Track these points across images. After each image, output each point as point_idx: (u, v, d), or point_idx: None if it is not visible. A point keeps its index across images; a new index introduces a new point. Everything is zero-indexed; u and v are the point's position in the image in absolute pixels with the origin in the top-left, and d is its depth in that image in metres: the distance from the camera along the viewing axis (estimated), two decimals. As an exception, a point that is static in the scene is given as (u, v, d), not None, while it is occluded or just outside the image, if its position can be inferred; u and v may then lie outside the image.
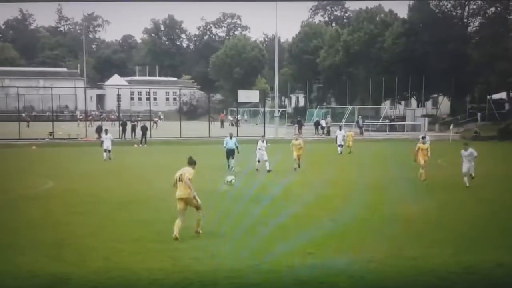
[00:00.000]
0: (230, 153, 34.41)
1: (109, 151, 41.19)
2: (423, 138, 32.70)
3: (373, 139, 65.52)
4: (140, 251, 15.65)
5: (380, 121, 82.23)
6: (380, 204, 22.07)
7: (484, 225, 18.84)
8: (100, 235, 17.54)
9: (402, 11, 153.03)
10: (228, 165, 34.00)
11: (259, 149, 33.82)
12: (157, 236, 17.28)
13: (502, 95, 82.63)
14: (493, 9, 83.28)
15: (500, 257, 14.75)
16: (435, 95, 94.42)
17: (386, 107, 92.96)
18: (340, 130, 46.99)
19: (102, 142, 42.21)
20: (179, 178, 17.06)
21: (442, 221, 19.35)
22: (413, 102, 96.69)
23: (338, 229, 17.88)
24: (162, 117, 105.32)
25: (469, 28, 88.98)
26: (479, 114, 78.15)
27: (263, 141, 34.28)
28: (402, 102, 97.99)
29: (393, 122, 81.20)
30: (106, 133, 43.47)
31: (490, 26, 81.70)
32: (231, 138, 35.03)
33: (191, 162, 17.57)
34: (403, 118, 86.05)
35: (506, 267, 14.09)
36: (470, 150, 27.13)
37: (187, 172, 17.08)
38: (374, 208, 21.39)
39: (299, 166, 33.96)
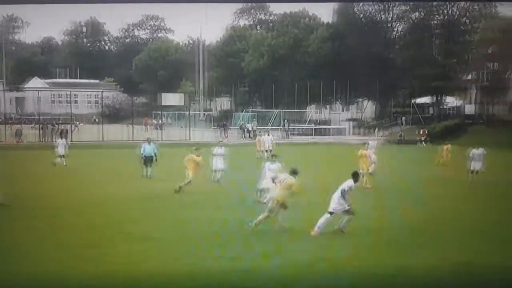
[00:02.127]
0: (147, 160, 31.88)
1: (63, 156, 39.01)
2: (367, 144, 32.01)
3: (299, 143, 65.25)
4: (71, 257, 15.13)
5: (305, 125, 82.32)
6: (313, 208, 21.06)
7: (417, 229, 18.69)
8: (30, 242, 16.87)
9: (327, 16, 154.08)
10: (145, 174, 31.76)
11: (214, 154, 29.68)
12: (88, 241, 16.82)
13: (427, 99, 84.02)
14: (416, 14, 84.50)
15: (431, 261, 14.92)
16: (360, 99, 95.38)
17: (311, 111, 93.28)
18: (268, 135, 45.63)
19: (57, 147, 39.63)
20: (280, 181, 18.54)
21: (374, 225, 19.06)
22: (338, 106, 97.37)
23: (267, 233, 17.62)
24: (97, 120, 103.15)
25: (393, 32, 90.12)
26: (403, 118, 79.24)
27: (220, 147, 30.42)
28: (328, 106, 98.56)
29: (318, 126, 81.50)
30: (62, 137, 41.26)
31: (413, 31, 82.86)
32: (149, 144, 32.42)
33: (294, 172, 18.88)
34: (328, 122, 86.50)
35: (439, 271, 14.19)
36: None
37: (290, 179, 18.43)
38: (307, 211, 20.63)
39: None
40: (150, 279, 13.33)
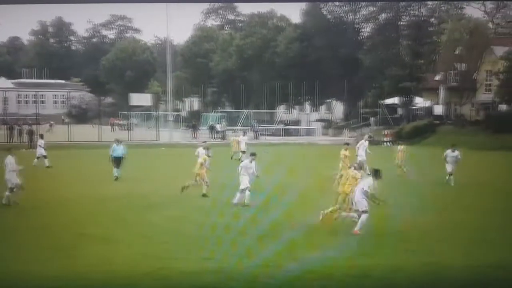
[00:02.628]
0: (116, 161, 31.33)
1: (45, 156, 38.54)
2: (347, 144, 31.59)
3: (269, 143, 65.10)
4: (34, 258, 15.09)
5: (275, 126, 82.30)
6: (273, 209, 21.66)
7: (381, 229, 18.76)
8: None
9: (295, 16, 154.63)
10: (116, 176, 31.06)
11: (198, 156, 27.85)
12: (51, 243, 16.73)
13: (395, 100, 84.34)
14: (384, 15, 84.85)
15: (397, 261, 15.11)
16: (329, 100, 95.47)
17: (281, 111, 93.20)
18: (244, 135, 44.96)
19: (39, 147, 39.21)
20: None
21: (338, 225, 19.07)
22: (308, 106, 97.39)
23: (233, 234, 17.68)
24: (66, 120, 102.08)
25: (361, 33, 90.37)
26: (372, 118, 79.44)
27: (207, 148, 29.08)
28: (297, 107, 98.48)
29: (288, 127, 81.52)
30: (42, 138, 40.67)
31: (381, 32, 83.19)
32: (118, 144, 31.82)
33: (360, 167, 20.57)
34: (297, 122, 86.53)
35: (404, 271, 14.32)
36: None
37: (357, 174, 19.79)
38: (269, 212, 21.05)
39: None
40: (112, 281, 13.40)
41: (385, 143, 64.42)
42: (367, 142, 34.83)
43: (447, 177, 30.62)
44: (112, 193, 25.92)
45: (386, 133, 66.67)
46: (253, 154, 24.29)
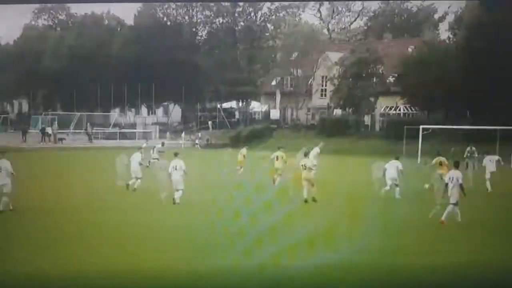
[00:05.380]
0: None
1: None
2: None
3: (104, 147, 63.26)
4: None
5: (110, 129, 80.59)
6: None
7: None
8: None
9: (130, 18, 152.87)
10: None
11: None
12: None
13: (232, 103, 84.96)
14: (220, 19, 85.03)
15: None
16: (166, 103, 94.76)
17: (115, 114, 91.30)
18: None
19: None
20: None
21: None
22: (144, 109, 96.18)
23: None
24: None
25: (198, 37, 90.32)
26: (210, 122, 79.50)
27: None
28: (133, 110, 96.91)
29: (123, 130, 79.96)
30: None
31: (218, 36, 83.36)
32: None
33: None
34: (134, 125, 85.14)
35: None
36: None
37: None
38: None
39: None
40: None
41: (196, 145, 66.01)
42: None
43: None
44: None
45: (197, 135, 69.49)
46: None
